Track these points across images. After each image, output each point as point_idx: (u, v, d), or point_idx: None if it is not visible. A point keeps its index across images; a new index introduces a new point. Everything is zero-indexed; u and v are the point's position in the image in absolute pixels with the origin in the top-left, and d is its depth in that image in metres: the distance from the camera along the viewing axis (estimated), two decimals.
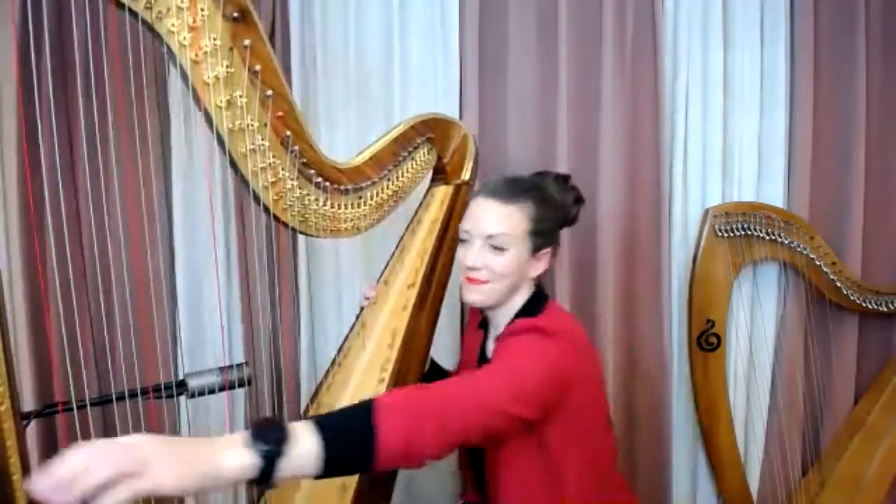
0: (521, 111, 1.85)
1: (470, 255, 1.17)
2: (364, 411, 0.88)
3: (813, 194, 1.87)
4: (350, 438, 0.86)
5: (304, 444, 0.80)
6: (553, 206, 1.23)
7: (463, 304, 1.84)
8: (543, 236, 1.20)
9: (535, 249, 1.19)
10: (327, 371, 1.45)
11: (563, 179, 1.31)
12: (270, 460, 0.76)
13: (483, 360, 1.30)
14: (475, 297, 1.19)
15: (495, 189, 1.19)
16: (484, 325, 1.32)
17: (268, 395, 1.72)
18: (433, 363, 1.44)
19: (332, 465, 0.82)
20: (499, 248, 1.16)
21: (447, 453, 0.95)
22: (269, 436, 0.77)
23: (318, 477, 0.82)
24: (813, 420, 1.95)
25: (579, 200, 1.31)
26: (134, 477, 0.67)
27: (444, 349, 1.84)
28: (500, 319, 1.23)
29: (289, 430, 0.79)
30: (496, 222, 1.16)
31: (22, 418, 0.98)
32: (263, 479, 0.77)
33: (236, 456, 0.75)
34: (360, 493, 1.22)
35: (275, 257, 1.70)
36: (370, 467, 0.86)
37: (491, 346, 1.26)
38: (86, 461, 0.66)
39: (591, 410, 1.16)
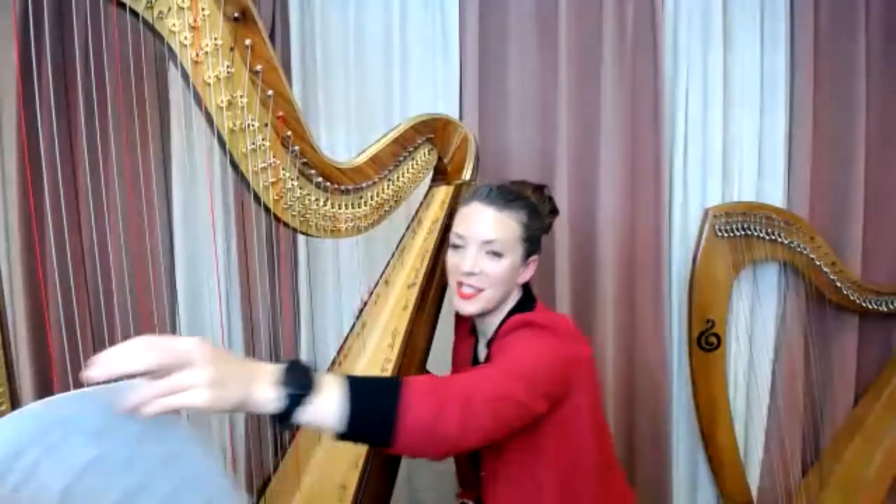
0: (521, 111, 1.85)
1: (467, 261, 1.16)
2: (393, 382, 0.88)
3: (813, 194, 1.87)
4: (375, 401, 0.85)
5: (328, 398, 0.81)
6: (539, 214, 1.24)
7: None
8: (532, 243, 1.21)
9: (526, 256, 1.21)
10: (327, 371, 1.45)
11: (540, 190, 1.29)
12: (293, 405, 0.79)
13: (476, 364, 1.29)
14: (471, 307, 1.19)
15: (490, 196, 1.19)
16: (475, 330, 1.32)
17: None
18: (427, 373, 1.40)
19: (353, 426, 0.82)
20: (496, 254, 1.16)
21: (466, 444, 0.92)
22: (297, 381, 0.79)
23: (339, 437, 0.83)
24: (813, 420, 1.95)
25: (554, 211, 1.31)
26: (177, 378, 0.71)
27: (444, 349, 1.84)
28: (491, 325, 1.23)
29: (316, 380, 0.81)
30: (494, 228, 1.16)
31: None
32: (283, 419, 0.80)
33: (265, 391, 0.78)
34: (360, 493, 1.22)
35: (275, 257, 1.70)
36: (390, 438, 0.84)
37: (483, 350, 1.27)
38: (138, 347, 0.73)
39: (588, 400, 1.14)
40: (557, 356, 1.07)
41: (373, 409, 0.85)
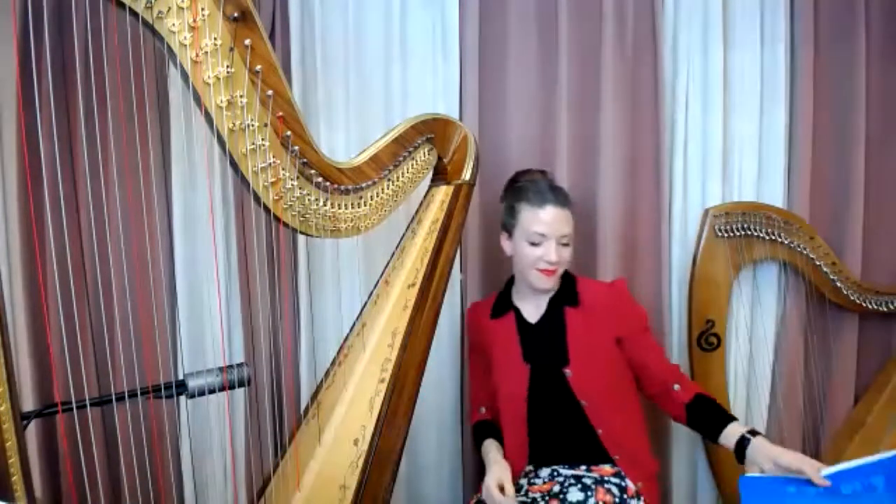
0: (521, 111, 1.85)
1: (552, 253, 1.46)
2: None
3: (813, 194, 1.86)
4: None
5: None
6: None
7: (463, 304, 1.84)
8: None
9: None
10: (327, 371, 1.45)
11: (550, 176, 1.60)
12: None
13: (525, 327, 1.56)
14: (552, 283, 1.51)
15: (558, 198, 1.48)
16: (502, 308, 1.58)
17: (268, 395, 1.72)
18: (494, 426, 1.59)
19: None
20: (566, 244, 1.49)
21: None
22: None
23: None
24: (813, 420, 1.95)
25: None
26: None
27: (444, 349, 1.84)
28: (553, 288, 1.54)
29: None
30: (566, 225, 1.48)
31: (22, 418, 0.98)
32: None
33: None
34: (360, 493, 1.22)
35: (275, 257, 1.70)
36: None
37: (535, 311, 1.56)
38: None
39: None
40: None
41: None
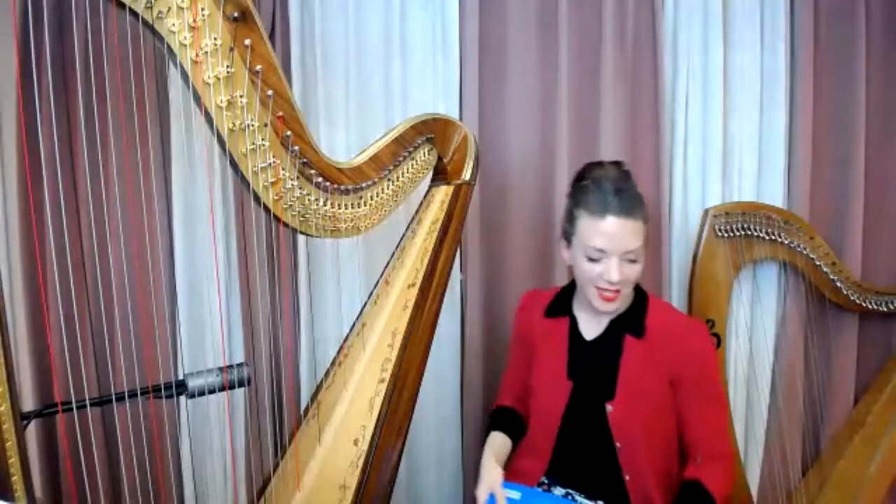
0: (521, 111, 1.85)
1: (614, 272, 1.25)
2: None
3: (813, 194, 1.86)
4: None
5: None
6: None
7: (463, 304, 1.84)
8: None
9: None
10: (327, 371, 1.45)
11: (627, 171, 1.35)
12: None
13: (577, 340, 1.39)
14: (614, 306, 1.31)
15: (624, 207, 1.25)
16: (559, 309, 1.43)
17: (268, 395, 1.72)
18: (512, 414, 1.50)
19: None
20: (633, 261, 1.27)
21: None
22: None
23: None
24: (813, 420, 1.95)
25: None
26: None
27: (444, 349, 1.84)
28: (617, 308, 1.35)
29: None
30: (633, 238, 1.25)
31: (22, 418, 0.98)
32: None
33: None
34: (360, 492, 1.22)
35: (275, 257, 1.70)
36: None
37: (594, 327, 1.39)
38: None
39: None
40: None
41: None
